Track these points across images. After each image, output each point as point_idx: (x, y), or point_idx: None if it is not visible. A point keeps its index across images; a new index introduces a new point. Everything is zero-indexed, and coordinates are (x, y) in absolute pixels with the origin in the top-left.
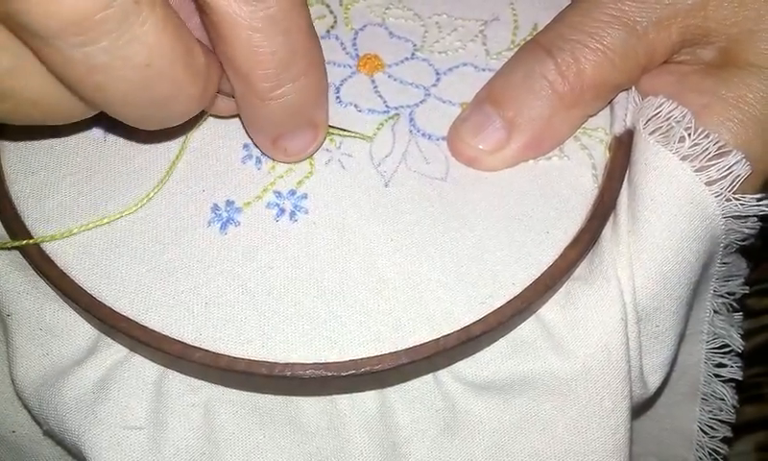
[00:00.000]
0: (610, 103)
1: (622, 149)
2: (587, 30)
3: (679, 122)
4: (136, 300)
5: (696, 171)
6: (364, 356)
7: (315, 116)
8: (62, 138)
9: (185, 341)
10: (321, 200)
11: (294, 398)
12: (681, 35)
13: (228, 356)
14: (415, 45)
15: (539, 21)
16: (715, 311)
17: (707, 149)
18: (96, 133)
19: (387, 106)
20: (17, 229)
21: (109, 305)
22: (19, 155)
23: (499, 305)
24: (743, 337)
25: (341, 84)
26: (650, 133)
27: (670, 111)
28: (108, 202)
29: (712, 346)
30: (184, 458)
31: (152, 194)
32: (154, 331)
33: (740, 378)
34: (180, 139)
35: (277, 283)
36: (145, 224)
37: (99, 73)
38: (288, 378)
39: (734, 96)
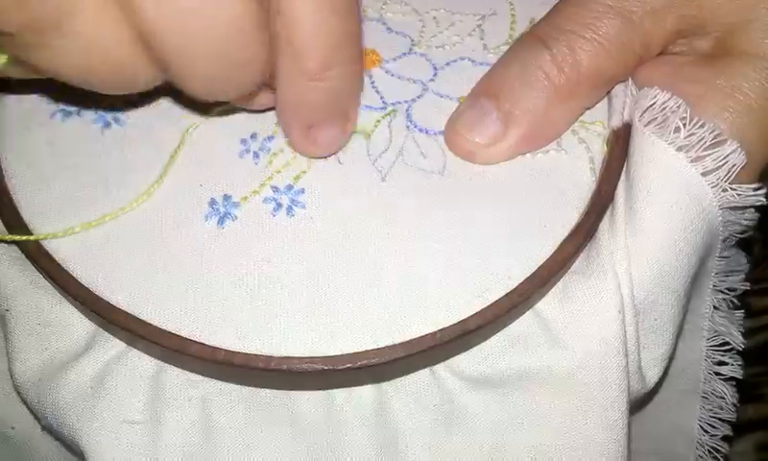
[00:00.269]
0: (608, 96)
1: (620, 142)
2: (582, 21)
3: (674, 112)
4: (134, 294)
5: (692, 161)
6: (361, 350)
7: (349, 109)
8: (61, 131)
9: (183, 335)
10: (318, 195)
11: (291, 392)
12: (676, 25)
13: (226, 350)
14: (412, 40)
15: (536, 16)
16: (715, 307)
17: (702, 138)
18: (95, 126)
19: (384, 102)
20: (14, 221)
21: (106, 299)
22: (17, 147)
23: (496, 299)
24: (743, 336)
25: None
26: (645, 125)
27: (665, 102)
28: (106, 195)
29: (713, 343)
30: (181, 453)
31: (152, 189)
32: (151, 325)
33: (740, 377)
34: (179, 134)
35: (274, 277)
36: (142, 218)
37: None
38: (285, 372)
39: (729, 86)
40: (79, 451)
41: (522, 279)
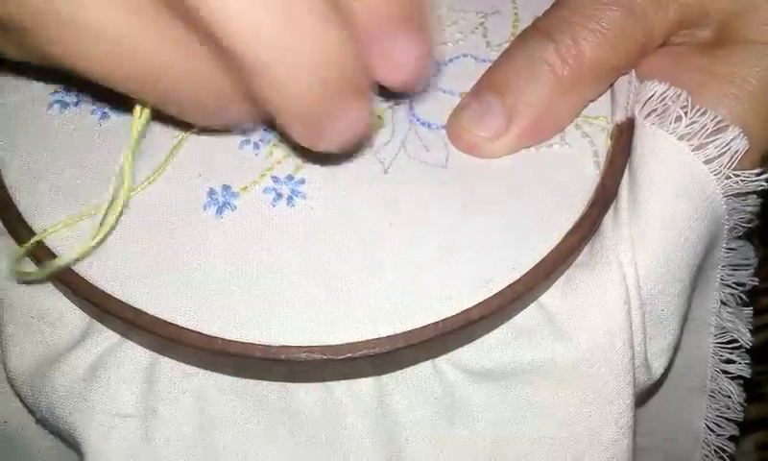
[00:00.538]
0: (611, 91)
1: (623, 136)
2: (585, 12)
3: (674, 102)
4: (129, 283)
5: (694, 150)
6: (361, 339)
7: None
8: (57, 123)
9: (179, 324)
10: (319, 185)
11: (289, 385)
12: (678, 15)
13: (222, 339)
14: None
15: (539, 14)
16: (723, 303)
17: (704, 126)
18: (92, 118)
19: (387, 95)
20: (8, 213)
21: (101, 288)
22: (12, 137)
23: (500, 289)
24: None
25: None
26: (645, 117)
27: (664, 92)
28: (103, 187)
29: (720, 340)
30: (176, 446)
31: (151, 178)
32: (146, 314)
33: (748, 376)
34: (178, 125)
35: (274, 267)
36: (139, 207)
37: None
38: (283, 362)
39: (729, 72)
40: (75, 444)
41: (526, 271)
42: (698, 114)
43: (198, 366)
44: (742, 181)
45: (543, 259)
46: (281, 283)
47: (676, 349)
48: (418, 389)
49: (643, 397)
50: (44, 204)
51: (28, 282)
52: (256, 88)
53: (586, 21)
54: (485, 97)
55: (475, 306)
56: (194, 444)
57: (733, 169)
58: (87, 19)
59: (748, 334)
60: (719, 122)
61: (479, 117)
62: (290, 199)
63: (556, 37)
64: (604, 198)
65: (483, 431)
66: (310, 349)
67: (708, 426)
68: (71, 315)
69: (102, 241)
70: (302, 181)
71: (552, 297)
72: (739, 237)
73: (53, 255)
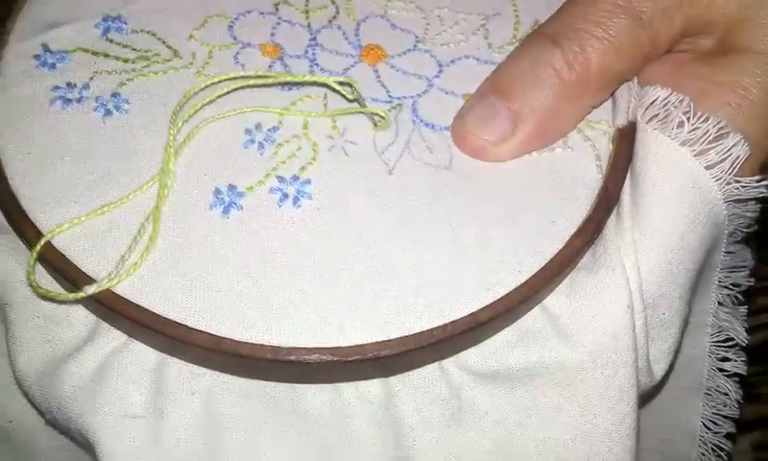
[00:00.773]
0: (612, 96)
1: (625, 140)
2: (593, 19)
3: (676, 107)
4: (136, 283)
5: (696, 155)
6: (370, 341)
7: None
8: (61, 118)
9: (188, 324)
10: (324, 186)
11: (297, 386)
12: (683, 24)
13: (232, 340)
14: (417, 37)
15: (540, 17)
16: (720, 303)
17: (707, 131)
18: (95, 114)
19: (390, 95)
20: (12, 208)
21: (110, 288)
22: (16, 134)
23: (506, 292)
24: None
25: (343, 73)
26: (647, 122)
27: (666, 98)
28: (106, 184)
29: (716, 339)
30: (185, 448)
31: (156, 177)
32: (155, 314)
33: (744, 374)
34: (188, 125)
35: (281, 268)
36: (146, 206)
37: None
38: (292, 363)
39: (731, 81)
40: (88, 445)
41: (532, 273)
42: (700, 120)
43: (206, 367)
44: (743, 187)
45: (549, 262)
46: (289, 285)
47: (677, 351)
48: (425, 390)
49: (644, 398)
50: (48, 201)
51: (49, 299)
52: None
53: (593, 28)
54: (490, 100)
55: (483, 309)
56: (203, 445)
57: (734, 175)
58: None
59: (744, 332)
60: (721, 128)
61: (484, 121)
62: (296, 199)
63: (563, 43)
64: (607, 201)
65: (489, 433)
66: (320, 350)
67: (705, 425)
68: (78, 315)
69: (135, 266)
70: (308, 182)
71: (556, 300)
72: (737, 241)
73: (60, 255)
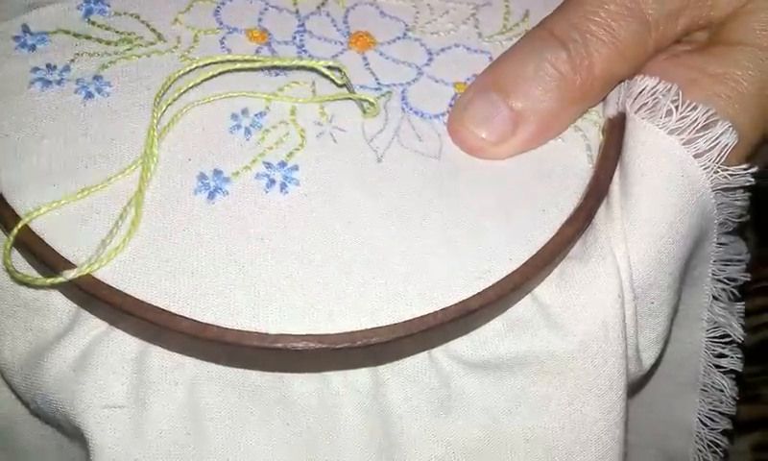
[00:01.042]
0: None
1: (616, 131)
2: (600, 21)
3: (665, 96)
4: (118, 269)
5: (684, 144)
6: (359, 329)
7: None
8: (40, 100)
9: (172, 311)
10: (312, 172)
11: (284, 375)
12: (686, 25)
13: (217, 327)
14: (406, 25)
15: (530, 8)
16: (715, 297)
17: (695, 120)
18: (76, 97)
19: (379, 83)
20: None
21: (91, 274)
22: None
23: (497, 280)
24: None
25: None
26: (636, 111)
27: (654, 87)
28: (87, 167)
29: (713, 335)
30: (168, 438)
31: (139, 161)
32: (137, 300)
33: (740, 370)
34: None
35: (268, 254)
36: (128, 190)
37: None
38: (280, 351)
39: (723, 72)
40: (77, 433)
41: (523, 262)
42: (689, 109)
43: (190, 355)
44: (731, 175)
45: (540, 250)
46: (276, 272)
47: (666, 340)
48: (414, 379)
49: (634, 388)
50: (26, 184)
51: (25, 284)
52: None
53: (600, 31)
54: (490, 98)
55: (473, 297)
56: (186, 436)
57: (722, 164)
58: None
59: (740, 329)
60: (710, 116)
61: (484, 119)
62: (283, 185)
63: (569, 45)
64: (598, 190)
65: (477, 421)
66: (308, 337)
67: (701, 421)
68: (59, 303)
69: (117, 251)
70: (296, 168)
71: (547, 289)
72: (731, 233)
73: (38, 239)
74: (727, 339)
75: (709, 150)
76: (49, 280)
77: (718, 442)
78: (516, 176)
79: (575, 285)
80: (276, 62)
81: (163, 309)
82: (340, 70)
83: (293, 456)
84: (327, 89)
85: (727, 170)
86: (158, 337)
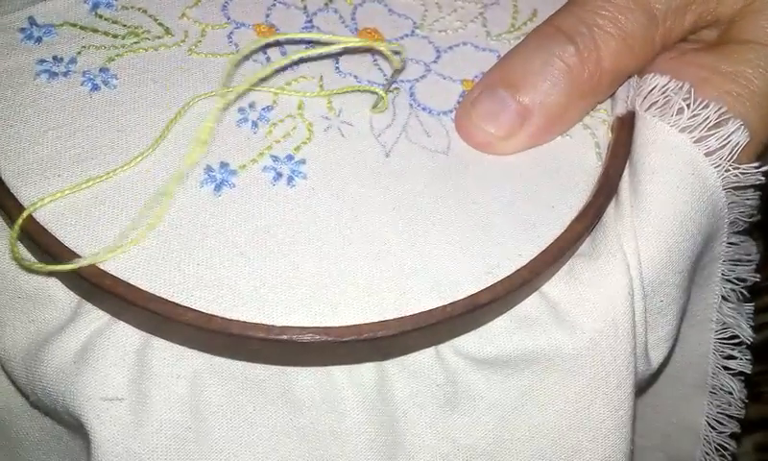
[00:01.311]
0: None
1: (625, 129)
2: (608, 15)
3: (676, 94)
4: (122, 259)
5: (695, 142)
6: (366, 322)
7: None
8: (45, 92)
9: (176, 301)
10: (320, 166)
11: (287, 369)
12: (693, 22)
13: (222, 318)
14: (414, 23)
15: (538, 7)
16: (724, 298)
17: (707, 118)
18: (82, 89)
19: (387, 79)
20: None
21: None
22: None
23: (506, 275)
24: None
25: (340, 55)
26: (646, 109)
27: (665, 86)
28: (92, 159)
29: (721, 336)
30: (169, 432)
31: (146, 152)
32: (141, 291)
33: (749, 372)
34: (174, 101)
35: (275, 247)
36: (133, 182)
37: None
38: (285, 343)
39: (734, 71)
40: (78, 426)
41: (532, 257)
42: (700, 107)
43: (193, 347)
44: (742, 173)
45: (549, 246)
46: (283, 265)
47: (675, 339)
48: (420, 375)
49: (642, 386)
50: (30, 175)
51: (33, 272)
52: None
53: (607, 24)
54: (499, 93)
55: (483, 291)
56: (188, 430)
57: (733, 163)
58: None
59: (749, 330)
60: (723, 114)
61: (492, 114)
62: (290, 179)
63: (576, 39)
64: (608, 187)
65: (483, 418)
66: (314, 330)
67: (709, 424)
68: (60, 294)
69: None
70: (303, 162)
71: (555, 286)
72: (741, 233)
73: (42, 229)
74: (736, 340)
75: (721, 148)
76: (59, 267)
77: (726, 445)
78: (525, 172)
79: (584, 283)
80: (334, 41)
81: (167, 300)
82: (399, 53)
83: (296, 451)
84: (335, 84)
85: (738, 168)
86: (162, 328)
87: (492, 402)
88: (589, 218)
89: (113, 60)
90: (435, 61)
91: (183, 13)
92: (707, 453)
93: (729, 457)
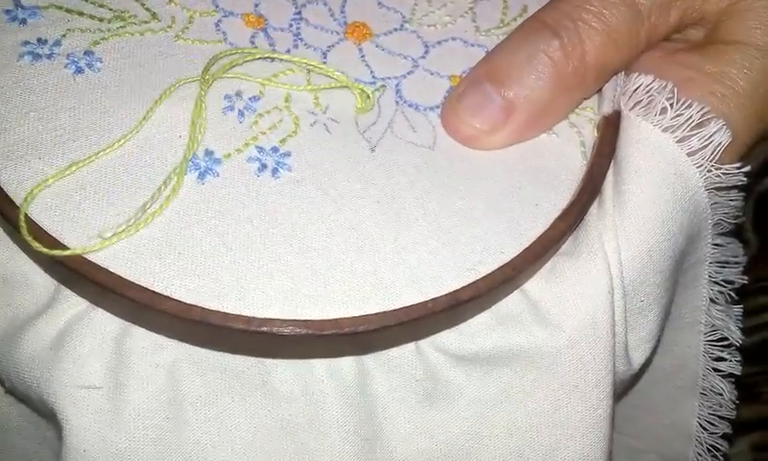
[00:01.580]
0: None
1: (610, 128)
2: (593, 10)
3: (660, 93)
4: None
5: (678, 142)
6: (347, 316)
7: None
8: (29, 73)
9: (155, 290)
10: (305, 159)
11: (267, 360)
12: (679, 18)
13: (202, 308)
14: (404, 17)
15: (528, 3)
16: (712, 300)
17: (690, 118)
18: (66, 71)
19: (374, 76)
20: None
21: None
22: None
23: (488, 272)
24: (741, 335)
25: (327, 50)
26: (630, 109)
27: (649, 85)
28: (73, 140)
29: (711, 338)
30: (146, 422)
31: (129, 135)
32: (121, 278)
33: (739, 373)
34: (160, 86)
35: (257, 238)
36: (116, 167)
37: None
38: (265, 335)
39: (719, 71)
40: (51, 414)
41: (515, 254)
42: (683, 107)
43: (172, 337)
44: (724, 174)
45: (532, 244)
46: (265, 256)
47: (657, 340)
48: (399, 370)
49: (625, 387)
50: (10, 156)
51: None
52: None
53: (592, 19)
54: (483, 88)
55: (465, 287)
56: (165, 420)
57: (715, 163)
58: None
59: (738, 332)
60: (705, 114)
61: (477, 109)
62: (275, 170)
63: (561, 33)
64: (592, 185)
65: (462, 414)
66: (295, 323)
67: (701, 425)
68: (38, 279)
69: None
70: (288, 154)
71: (536, 284)
72: (727, 234)
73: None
74: (725, 342)
75: (703, 148)
76: (70, 251)
77: (718, 446)
78: (510, 170)
79: (565, 281)
80: (311, 67)
81: (147, 288)
82: (369, 96)
83: (274, 443)
84: (322, 79)
85: (720, 169)
86: (141, 317)
87: (471, 399)
88: (573, 217)
89: (98, 43)
90: (423, 57)
91: None
92: (699, 454)
93: (721, 458)
